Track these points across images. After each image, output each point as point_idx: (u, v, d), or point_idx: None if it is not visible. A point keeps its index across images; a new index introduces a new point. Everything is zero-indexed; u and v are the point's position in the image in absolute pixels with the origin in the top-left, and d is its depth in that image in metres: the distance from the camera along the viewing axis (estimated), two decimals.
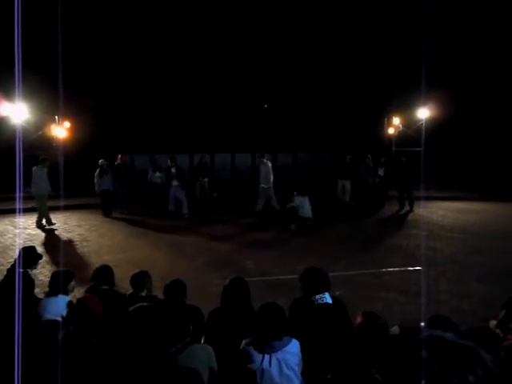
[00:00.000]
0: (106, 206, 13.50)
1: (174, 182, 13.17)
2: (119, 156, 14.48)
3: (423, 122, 17.98)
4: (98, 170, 13.36)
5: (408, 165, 14.09)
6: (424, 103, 17.86)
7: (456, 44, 20.62)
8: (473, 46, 20.69)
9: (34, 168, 11.91)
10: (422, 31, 13.46)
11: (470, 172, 19.07)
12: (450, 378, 0.70)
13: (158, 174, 14.80)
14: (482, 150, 20.38)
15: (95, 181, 13.28)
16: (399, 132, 19.27)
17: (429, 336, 0.78)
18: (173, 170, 13.26)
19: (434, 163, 16.55)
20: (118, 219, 12.99)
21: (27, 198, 15.10)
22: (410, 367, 0.73)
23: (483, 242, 10.00)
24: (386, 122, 19.57)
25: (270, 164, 13.69)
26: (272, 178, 13.57)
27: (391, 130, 19.31)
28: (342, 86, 22.58)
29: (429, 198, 15.32)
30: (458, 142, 20.61)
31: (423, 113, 17.95)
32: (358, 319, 3.22)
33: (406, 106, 18.58)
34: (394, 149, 19.57)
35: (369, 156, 15.79)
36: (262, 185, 13.53)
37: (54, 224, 11.95)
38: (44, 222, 11.88)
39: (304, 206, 11.33)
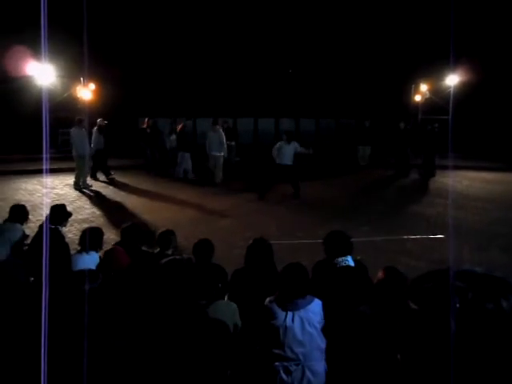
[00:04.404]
0: (103, 167, 13.32)
1: None
2: (146, 119, 14.42)
3: (451, 89, 17.47)
4: (96, 128, 12.95)
5: (439, 133, 13.89)
6: (453, 70, 17.32)
7: (486, 9, 19.75)
8: (504, 10, 19.78)
9: (72, 129, 11.93)
10: None
11: (498, 141, 18.58)
12: (484, 304, 0.74)
13: (173, 136, 14.58)
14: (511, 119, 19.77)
15: (93, 137, 12.79)
16: (426, 99, 18.82)
17: (460, 270, 0.82)
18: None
19: (461, 132, 16.16)
20: (139, 181, 13.11)
21: (53, 158, 15.45)
22: (443, 296, 0.77)
23: (508, 212, 9.87)
24: (412, 88, 19.12)
25: (222, 132, 13.06)
26: (225, 146, 12.97)
27: (418, 97, 18.87)
28: (369, 51, 21.99)
29: (454, 167, 15.08)
30: (487, 110, 20.00)
31: (452, 79, 17.41)
32: (380, 274, 3.21)
33: (433, 72, 18.03)
34: (420, 116, 19.19)
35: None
36: (215, 152, 12.77)
37: (91, 186, 12.11)
38: (81, 182, 11.93)
39: (285, 152, 10.69)
